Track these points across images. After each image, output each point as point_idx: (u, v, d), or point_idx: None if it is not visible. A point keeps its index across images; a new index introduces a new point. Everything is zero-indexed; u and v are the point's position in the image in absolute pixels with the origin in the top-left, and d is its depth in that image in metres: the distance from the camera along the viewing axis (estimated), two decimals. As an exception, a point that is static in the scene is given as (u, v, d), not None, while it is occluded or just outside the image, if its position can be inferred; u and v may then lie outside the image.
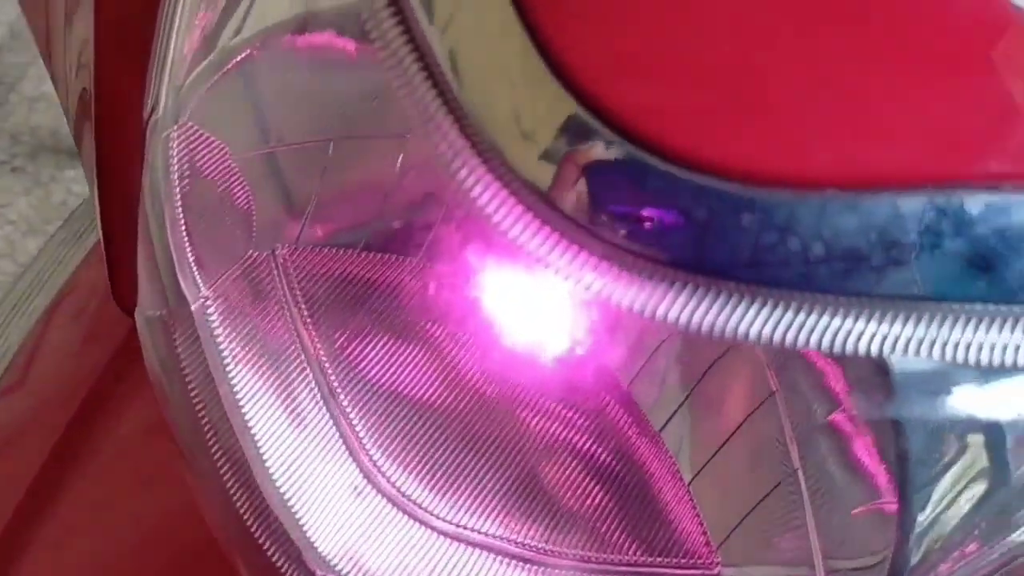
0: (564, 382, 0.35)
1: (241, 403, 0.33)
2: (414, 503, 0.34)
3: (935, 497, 0.25)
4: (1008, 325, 0.21)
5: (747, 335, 0.20)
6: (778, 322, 0.20)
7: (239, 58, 0.29)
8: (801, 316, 0.21)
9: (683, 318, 0.20)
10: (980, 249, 0.20)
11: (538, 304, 0.31)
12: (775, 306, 0.20)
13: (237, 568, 0.33)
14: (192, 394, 0.34)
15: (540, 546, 0.34)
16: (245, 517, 0.32)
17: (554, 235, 0.21)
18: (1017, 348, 0.21)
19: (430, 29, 0.21)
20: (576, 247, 0.21)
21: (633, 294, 0.20)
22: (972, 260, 0.20)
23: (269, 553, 0.32)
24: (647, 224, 0.20)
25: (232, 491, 0.33)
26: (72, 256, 0.62)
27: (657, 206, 0.20)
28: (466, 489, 0.34)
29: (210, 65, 0.29)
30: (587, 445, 0.36)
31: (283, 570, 0.32)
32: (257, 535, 0.32)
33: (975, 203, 0.20)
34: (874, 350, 0.20)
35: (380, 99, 0.33)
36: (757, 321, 0.20)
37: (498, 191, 0.21)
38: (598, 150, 0.20)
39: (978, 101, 0.20)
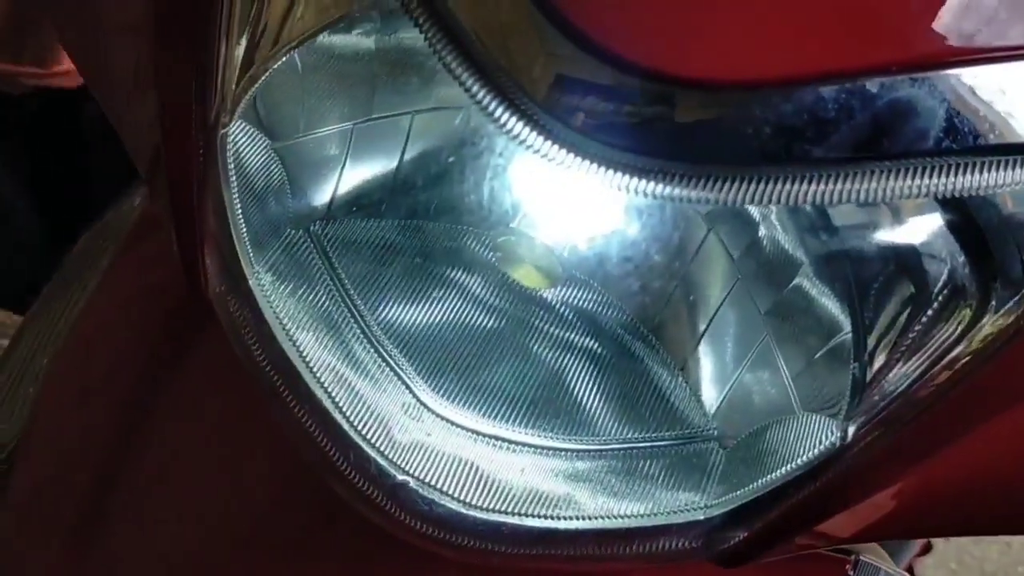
0: (564, 298, 0.42)
1: (305, 356, 0.39)
2: (446, 415, 0.41)
3: (879, 322, 0.32)
4: (907, 174, 0.28)
5: (723, 201, 0.27)
6: (744, 191, 0.27)
7: (276, 65, 0.36)
8: (758, 186, 0.28)
9: (657, 192, 0.27)
10: (879, 117, 0.27)
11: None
12: (741, 180, 0.27)
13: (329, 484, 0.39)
14: (256, 353, 0.40)
15: (543, 441, 0.41)
16: (322, 442, 0.39)
17: (548, 140, 0.27)
18: (917, 190, 0.28)
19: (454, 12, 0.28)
20: (559, 143, 0.27)
21: (612, 177, 0.27)
22: (875, 126, 0.27)
23: (347, 470, 0.39)
24: (624, 123, 0.27)
25: (307, 424, 0.39)
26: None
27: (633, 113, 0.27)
28: (484, 399, 0.41)
29: (253, 75, 0.36)
30: (588, 350, 0.43)
31: (360, 482, 0.39)
32: (335, 456, 0.39)
33: (873, 84, 0.27)
34: (816, 202, 0.28)
35: (391, 85, 0.40)
36: (723, 194, 0.27)
37: (504, 110, 0.28)
38: (575, 72, 0.27)
39: (867, 13, 0.27)
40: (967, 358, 0.33)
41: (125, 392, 0.52)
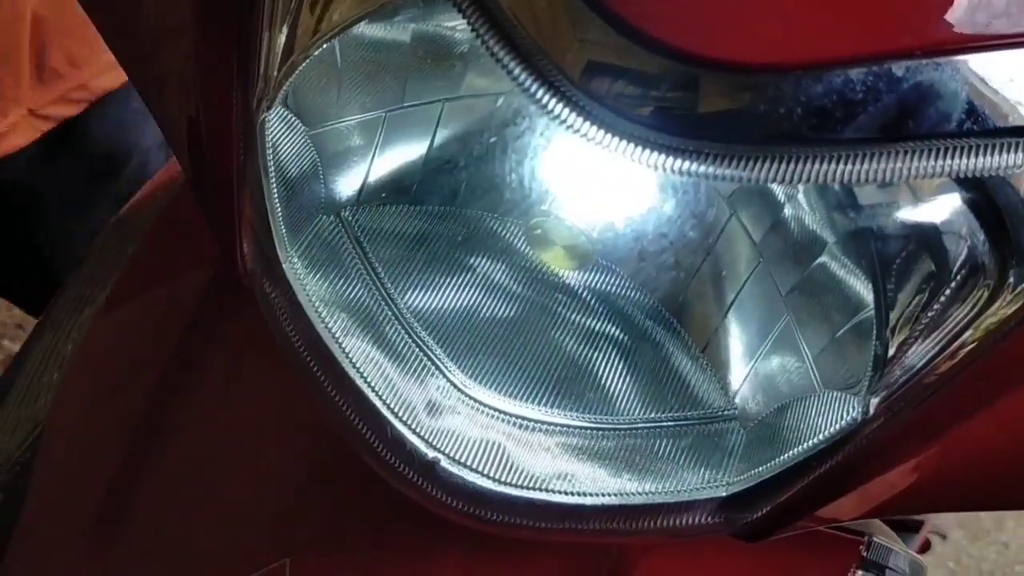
0: (588, 283, 0.43)
1: (338, 339, 0.41)
2: (475, 396, 0.42)
3: (900, 299, 0.33)
4: (929, 154, 0.29)
5: (755, 180, 0.28)
6: (775, 170, 0.29)
7: (316, 52, 0.37)
8: (788, 165, 0.29)
9: (701, 172, 0.28)
10: (905, 99, 0.28)
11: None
12: (772, 159, 0.29)
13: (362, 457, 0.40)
14: (292, 335, 0.41)
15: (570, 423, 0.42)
16: (357, 423, 0.40)
17: (585, 119, 0.29)
18: (939, 170, 0.30)
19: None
20: (597, 123, 0.28)
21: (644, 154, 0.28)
22: (901, 107, 0.29)
23: (382, 449, 0.40)
24: (664, 105, 0.28)
25: (342, 405, 0.40)
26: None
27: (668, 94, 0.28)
28: (512, 381, 0.42)
29: (293, 62, 0.37)
30: (611, 333, 0.44)
31: (395, 461, 0.40)
32: (369, 436, 0.40)
33: (899, 67, 0.28)
34: (843, 181, 0.29)
35: (424, 74, 0.41)
36: (754, 173, 0.29)
37: (544, 91, 0.29)
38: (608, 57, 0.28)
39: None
40: (981, 338, 0.35)
41: (150, 381, 0.53)
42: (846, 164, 0.29)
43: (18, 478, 0.59)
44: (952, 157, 0.29)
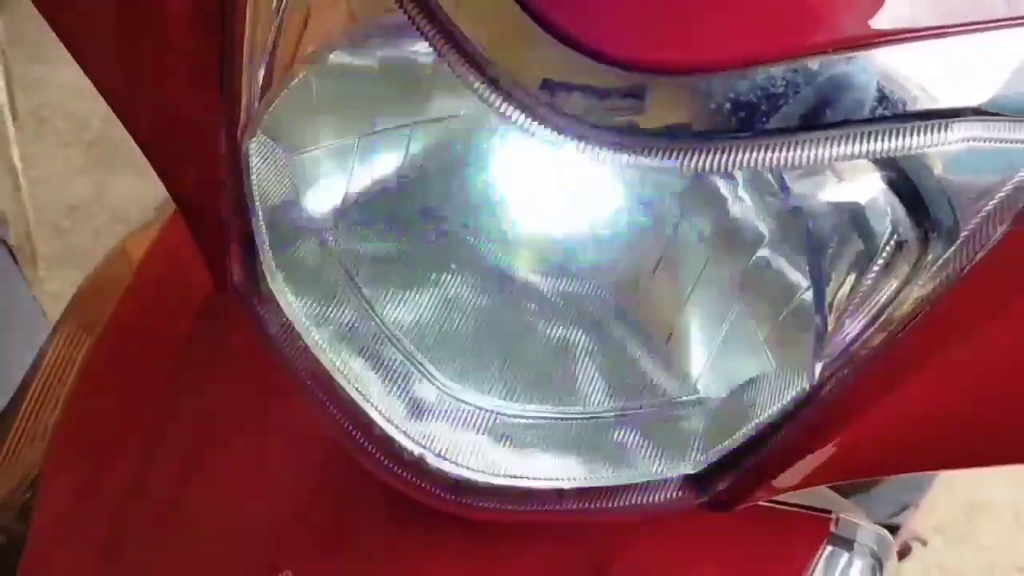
0: (554, 286, 0.47)
1: (326, 351, 0.44)
2: (457, 396, 0.45)
3: (834, 275, 0.37)
4: (846, 140, 0.33)
5: (694, 169, 0.32)
6: (711, 160, 0.32)
7: (292, 83, 0.40)
8: (723, 155, 0.33)
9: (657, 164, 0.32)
10: (821, 90, 0.32)
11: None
12: (711, 151, 0.32)
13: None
14: (284, 350, 0.44)
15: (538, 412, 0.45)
16: (348, 426, 0.43)
17: (543, 125, 0.32)
18: (856, 153, 0.33)
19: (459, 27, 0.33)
20: (554, 128, 0.32)
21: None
22: (817, 98, 0.32)
23: (372, 449, 0.43)
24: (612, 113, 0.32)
25: (333, 411, 0.43)
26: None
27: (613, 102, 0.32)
28: (488, 381, 0.45)
29: (272, 93, 0.40)
30: (578, 331, 0.47)
31: (384, 459, 0.43)
32: (360, 438, 0.43)
33: (814, 62, 0.32)
34: (770, 167, 0.32)
35: (394, 98, 0.44)
36: (694, 163, 0.32)
37: (503, 102, 0.32)
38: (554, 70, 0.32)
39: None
40: (906, 314, 0.38)
41: (149, 410, 0.55)
42: (772, 152, 0.32)
43: (18, 520, 0.61)
44: (867, 142, 0.33)
